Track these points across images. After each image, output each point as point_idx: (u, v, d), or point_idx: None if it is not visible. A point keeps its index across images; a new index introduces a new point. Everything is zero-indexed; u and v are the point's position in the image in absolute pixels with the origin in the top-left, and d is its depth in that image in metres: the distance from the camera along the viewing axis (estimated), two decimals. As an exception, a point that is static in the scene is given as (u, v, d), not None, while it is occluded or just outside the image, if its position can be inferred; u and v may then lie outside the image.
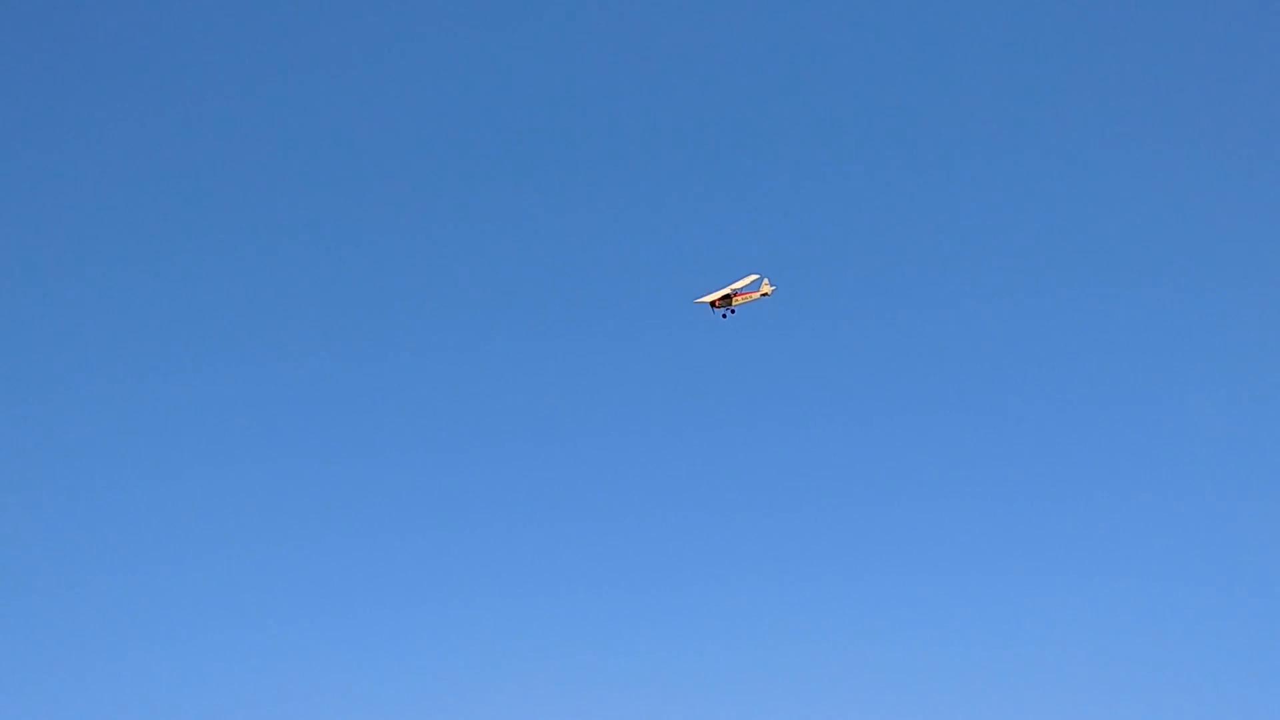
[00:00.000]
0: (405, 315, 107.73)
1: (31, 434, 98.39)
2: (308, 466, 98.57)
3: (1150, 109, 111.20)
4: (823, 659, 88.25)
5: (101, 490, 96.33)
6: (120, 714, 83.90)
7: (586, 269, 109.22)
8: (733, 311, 77.26)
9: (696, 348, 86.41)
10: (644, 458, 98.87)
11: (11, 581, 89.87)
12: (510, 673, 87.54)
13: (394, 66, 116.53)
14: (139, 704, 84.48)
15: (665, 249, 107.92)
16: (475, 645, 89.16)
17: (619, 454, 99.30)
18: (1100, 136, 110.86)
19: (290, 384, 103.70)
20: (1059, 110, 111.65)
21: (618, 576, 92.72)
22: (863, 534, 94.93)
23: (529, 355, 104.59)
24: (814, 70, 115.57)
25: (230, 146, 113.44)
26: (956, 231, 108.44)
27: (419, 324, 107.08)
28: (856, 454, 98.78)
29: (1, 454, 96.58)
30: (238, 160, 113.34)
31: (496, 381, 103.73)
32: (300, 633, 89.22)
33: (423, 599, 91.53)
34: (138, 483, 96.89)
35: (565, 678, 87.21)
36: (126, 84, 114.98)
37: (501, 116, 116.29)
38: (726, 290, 76.87)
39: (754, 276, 77.07)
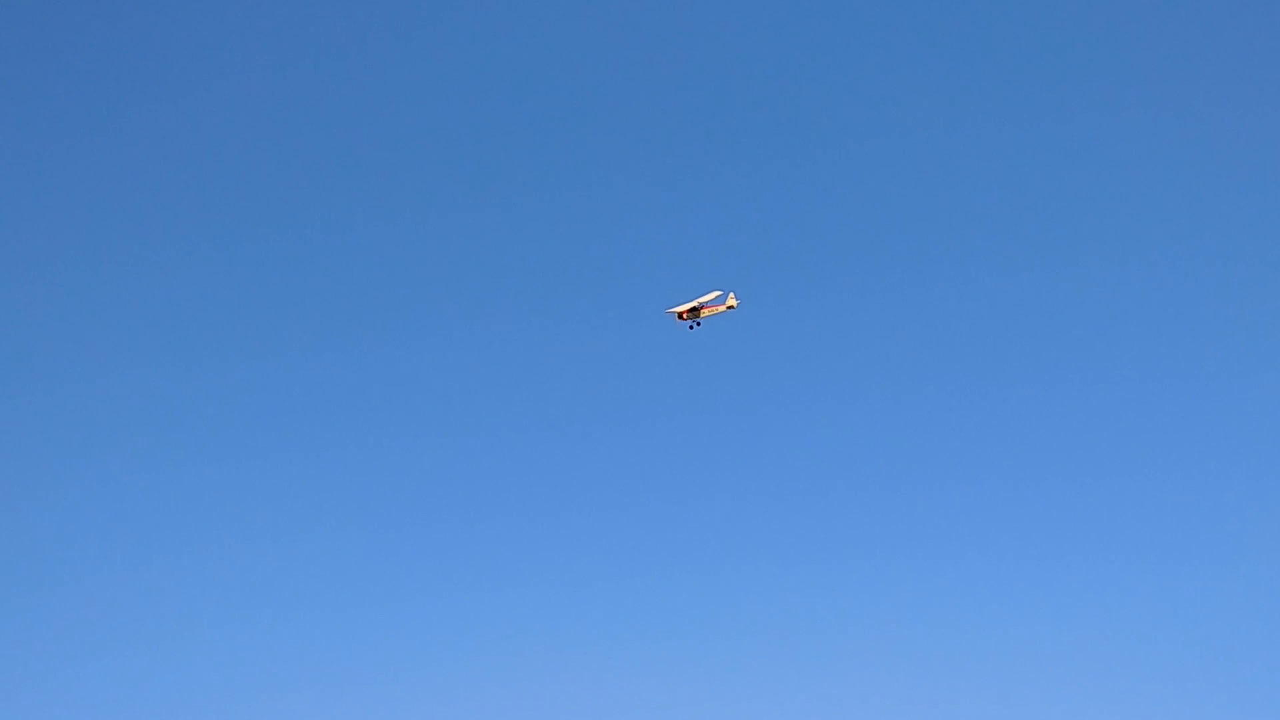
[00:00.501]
0: (384, 314, 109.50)
1: (24, 431, 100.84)
2: (288, 461, 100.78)
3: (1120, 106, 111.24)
4: (811, 652, 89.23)
5: (95, 487, 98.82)
6: (120, 714, 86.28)
7: (566, 271, 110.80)
8: (699, 324, 78.50)
9: (679, 348, 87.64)
10: (630, 452, 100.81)
11: (13, 580, 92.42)
12: (501, 669, 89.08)
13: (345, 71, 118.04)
14: (137, 703, 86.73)
15: (647, 253, 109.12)
16: (464, 641, 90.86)
17: (606, 448, 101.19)
18: (1071, 148, 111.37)
19: (268, 379, 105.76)
20: (1027, 126, 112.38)
21: (607, 571, 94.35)
22: (853, 527, 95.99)
23: (519, 349, 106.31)
24: (785, 86, 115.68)
25: (218, 140, 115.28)
26: (929, 242, 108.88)
27: (399, 322, 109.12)
28: (839, 447, 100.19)
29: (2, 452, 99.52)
30: (224, 154, 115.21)
31: (482, 378, 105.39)
32: (293, 629, 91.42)
33: (413, 595, 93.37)
34: (133, 479, 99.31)
35: (555, 673, 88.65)
36: (119, 79, 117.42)
37: (491, 117, 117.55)
38: (694, 303, 78.06)
39: (718, 292, 78.12)
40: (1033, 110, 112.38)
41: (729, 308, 78.09)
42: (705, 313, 78.07)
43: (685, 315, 78.16)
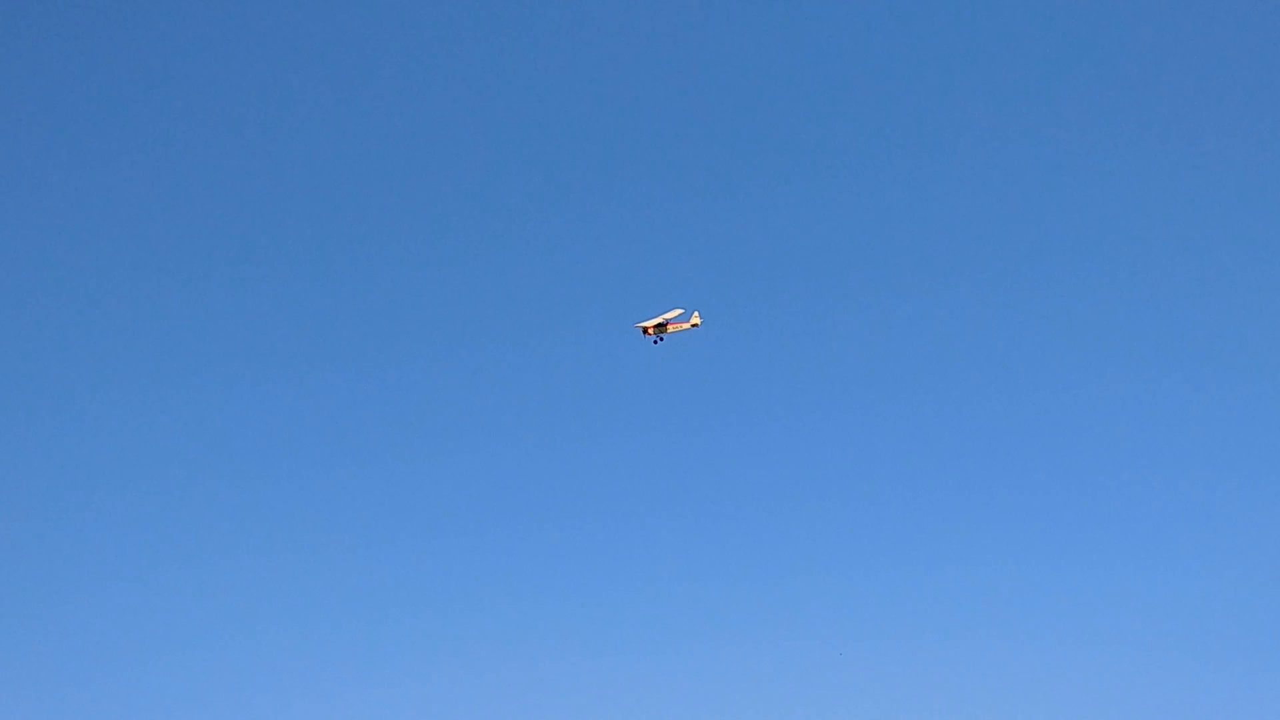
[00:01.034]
0: (357, 335, 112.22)
1: (27, 444, 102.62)
2: (276, 475, 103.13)
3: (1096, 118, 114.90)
4: (802, 660, 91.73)
5: (98, 500, 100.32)
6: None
7: (540, 287, 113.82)
8: (662, 339, 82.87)
9: (654, 361, 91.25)
10: (622, 461, 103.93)
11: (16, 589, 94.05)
12: (486, 676, 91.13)
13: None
14: (141, 712, 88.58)
15: (618, 270, 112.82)
16: (447, 650, 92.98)
17: (585, 456, 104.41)
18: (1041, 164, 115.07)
19: (263, 393, 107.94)
20: (996, 142, 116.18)
21: (591, 580, 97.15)
22: (832, 535, 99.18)
23: (501, 362, 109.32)
24: (753, 110, 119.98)
25: (216, 152, 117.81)
26: (899, 259, 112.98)
27: (371, 342, 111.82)
28: (812, 458, 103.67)
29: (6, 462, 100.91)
30: (220, 165, 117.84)
31: (465, 392, 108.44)
32: (291, 640, 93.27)
33: (392, 606, 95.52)
34: (136, 492, 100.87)
35: (540, 680, 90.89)
36: (125, 90, 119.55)
37: (485, 128, 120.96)
38: (660, 319, 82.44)
39: (681, 310, 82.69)
40: (982, 132, 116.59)
41: (693, 325, 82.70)
42: (670, 329, 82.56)
43: (651, 330, 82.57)
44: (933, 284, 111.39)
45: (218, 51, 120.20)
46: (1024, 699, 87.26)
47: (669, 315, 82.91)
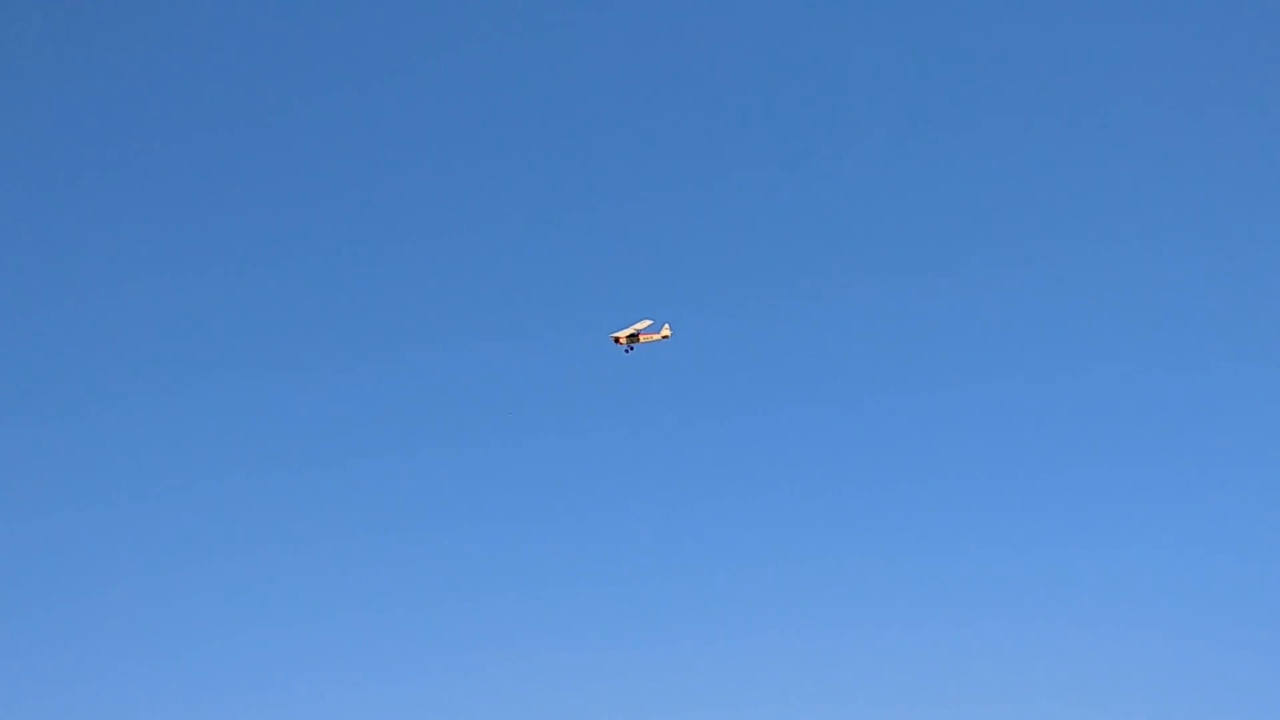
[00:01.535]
0: (341, 337, 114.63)
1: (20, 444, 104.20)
2: (269, 472, 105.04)
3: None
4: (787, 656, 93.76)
5: (94, 498, 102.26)
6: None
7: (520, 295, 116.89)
8: (632, 349, 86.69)
9: (629, 368, 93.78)
10: (602, 459, 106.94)
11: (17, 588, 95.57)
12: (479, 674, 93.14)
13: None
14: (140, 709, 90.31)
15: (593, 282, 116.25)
16: (443, 646, 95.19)
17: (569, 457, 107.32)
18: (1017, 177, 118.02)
19: (248, 390, 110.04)
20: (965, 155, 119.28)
21: (586, 577, 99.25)
22: (812, 531, 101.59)
23: (491, 363, 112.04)
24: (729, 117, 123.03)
25: (200, 152, 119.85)
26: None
27: (350, 343, 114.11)
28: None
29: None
30: (206, 161, 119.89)
31: (455, 390, 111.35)
32: (291, 636, 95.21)
33: (390, 603, 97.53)
34: (129, 490, 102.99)
35: (526, 678, 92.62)
36: (113, 87, 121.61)
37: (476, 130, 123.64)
38: (632, 329, 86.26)
39: (650, 321, 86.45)
40: (959, 131, 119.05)
41: (663, 337, 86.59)
42: (642, 339, 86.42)
43: (623, 340, 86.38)
44: (906, 284, 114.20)
45: (197, 43, 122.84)
46: (1018, 691, 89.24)
47: (640, 326, 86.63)
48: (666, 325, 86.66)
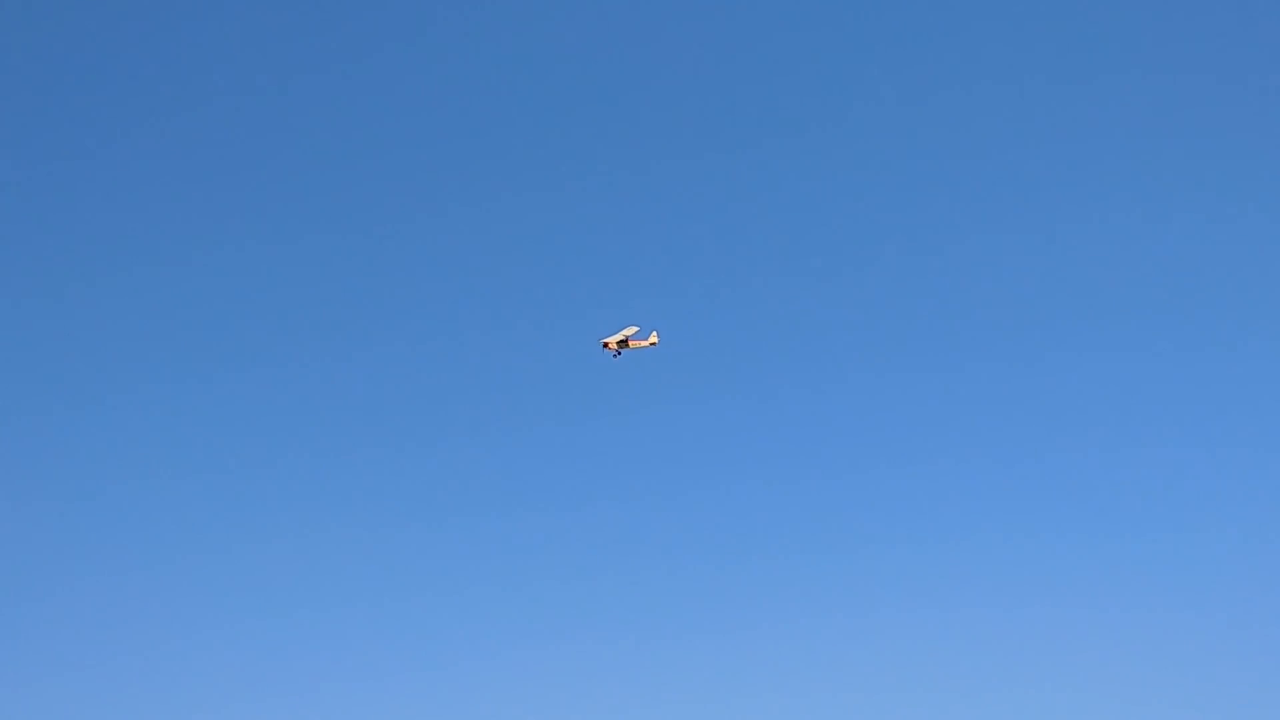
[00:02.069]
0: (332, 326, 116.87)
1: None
2: (261, 463, 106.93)
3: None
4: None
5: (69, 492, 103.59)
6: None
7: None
8: (619, 354, 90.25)
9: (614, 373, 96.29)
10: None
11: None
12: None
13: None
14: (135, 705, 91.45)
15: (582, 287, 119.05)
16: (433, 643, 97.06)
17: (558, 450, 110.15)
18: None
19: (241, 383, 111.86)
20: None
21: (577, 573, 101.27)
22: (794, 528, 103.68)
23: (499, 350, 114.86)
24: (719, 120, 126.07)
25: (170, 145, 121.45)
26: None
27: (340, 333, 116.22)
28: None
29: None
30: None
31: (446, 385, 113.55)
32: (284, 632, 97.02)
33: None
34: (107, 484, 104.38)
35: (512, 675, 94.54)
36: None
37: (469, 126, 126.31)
38: (622, 335, 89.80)
39: (638, 328, 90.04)
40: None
41: (651, 344, 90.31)
42: (631, 345, 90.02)
43: (614, 346, 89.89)
44: (896, 279, 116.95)
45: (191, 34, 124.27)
46: (1016, 682, 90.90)
47: (628, 332, 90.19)
48: (654, 333, 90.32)
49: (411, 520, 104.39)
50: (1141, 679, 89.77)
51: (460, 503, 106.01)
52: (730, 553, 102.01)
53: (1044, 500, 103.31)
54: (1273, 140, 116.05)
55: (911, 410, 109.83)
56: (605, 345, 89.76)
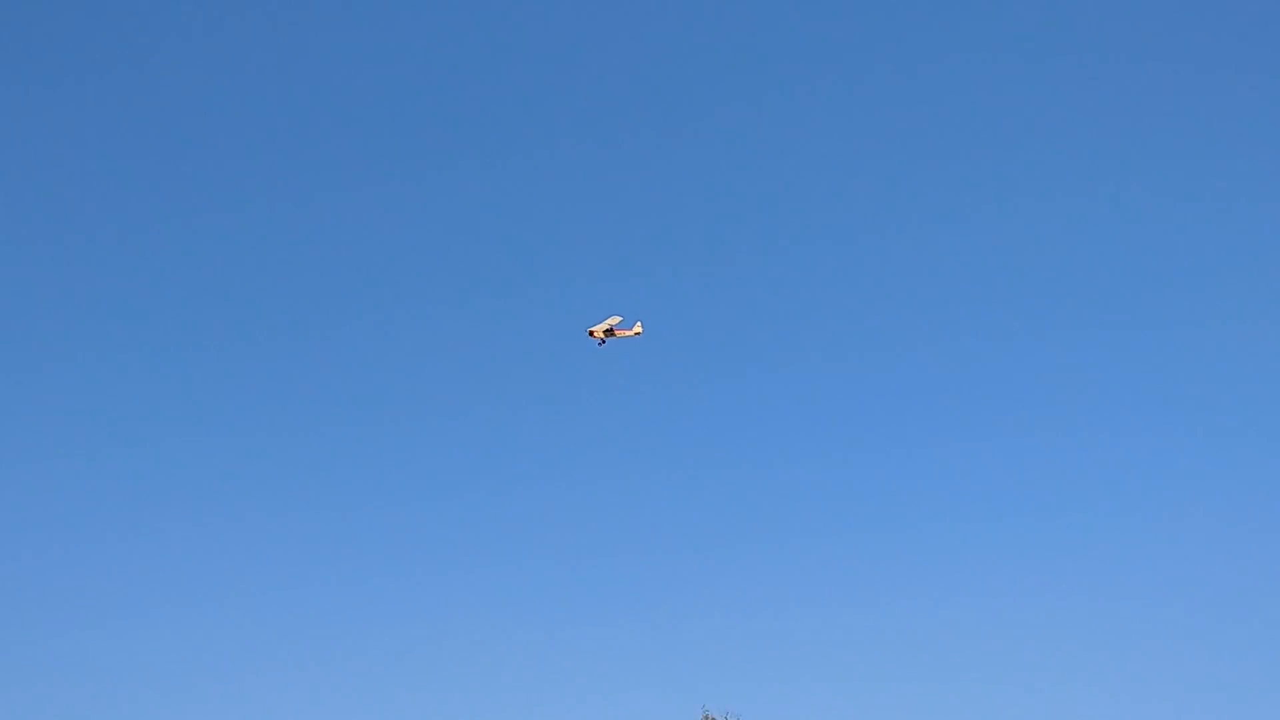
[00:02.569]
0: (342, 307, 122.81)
1: None
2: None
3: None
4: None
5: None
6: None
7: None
8: (604, 343, 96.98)
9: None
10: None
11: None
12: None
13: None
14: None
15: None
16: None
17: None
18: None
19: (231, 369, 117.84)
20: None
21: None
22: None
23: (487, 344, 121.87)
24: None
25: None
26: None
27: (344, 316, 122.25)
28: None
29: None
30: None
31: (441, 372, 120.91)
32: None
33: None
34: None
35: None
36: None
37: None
38: (608, 324, 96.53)
39: (621, 318, 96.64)
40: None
41: (635, 333, 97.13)
42: (617, 334, 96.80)
43: (600, 334, 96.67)
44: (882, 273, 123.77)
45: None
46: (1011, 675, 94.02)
47: (612, 321, 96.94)
48: (638, 322, 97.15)
49: (395, 500, 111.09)
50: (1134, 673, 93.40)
51: (436, 486, 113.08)
52: (711, 534, 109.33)
53: (1031, 488, 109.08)
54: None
55: (893, 397, 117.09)
56: (591, 334, 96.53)
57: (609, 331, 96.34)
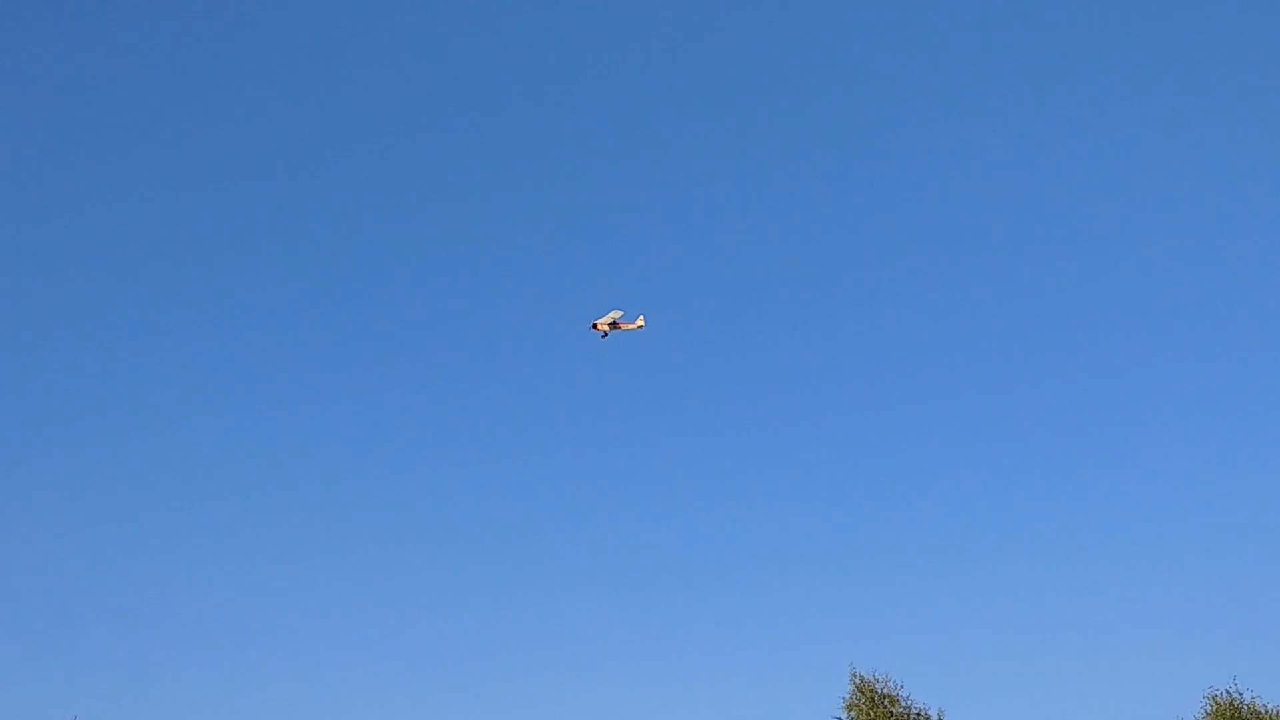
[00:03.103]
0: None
1: None
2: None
3: None
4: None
5: None
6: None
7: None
8: (606, 335, 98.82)
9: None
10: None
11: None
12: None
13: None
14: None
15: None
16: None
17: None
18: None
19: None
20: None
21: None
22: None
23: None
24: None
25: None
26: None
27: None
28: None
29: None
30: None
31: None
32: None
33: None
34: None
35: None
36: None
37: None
38: (611, 318, 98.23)
39: (621, 312, 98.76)
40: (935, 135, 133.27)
41: (638, 327, 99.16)
42: (620, 327, 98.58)
43: (605, 327, 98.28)
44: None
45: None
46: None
47: (615, 315, 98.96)
48: (641, 316, 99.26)
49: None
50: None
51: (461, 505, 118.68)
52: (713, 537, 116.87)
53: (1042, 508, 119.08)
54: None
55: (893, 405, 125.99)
56: (595, 326, 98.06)
57: (614, 325, 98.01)
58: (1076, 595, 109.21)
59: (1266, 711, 61.31)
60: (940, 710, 62.40)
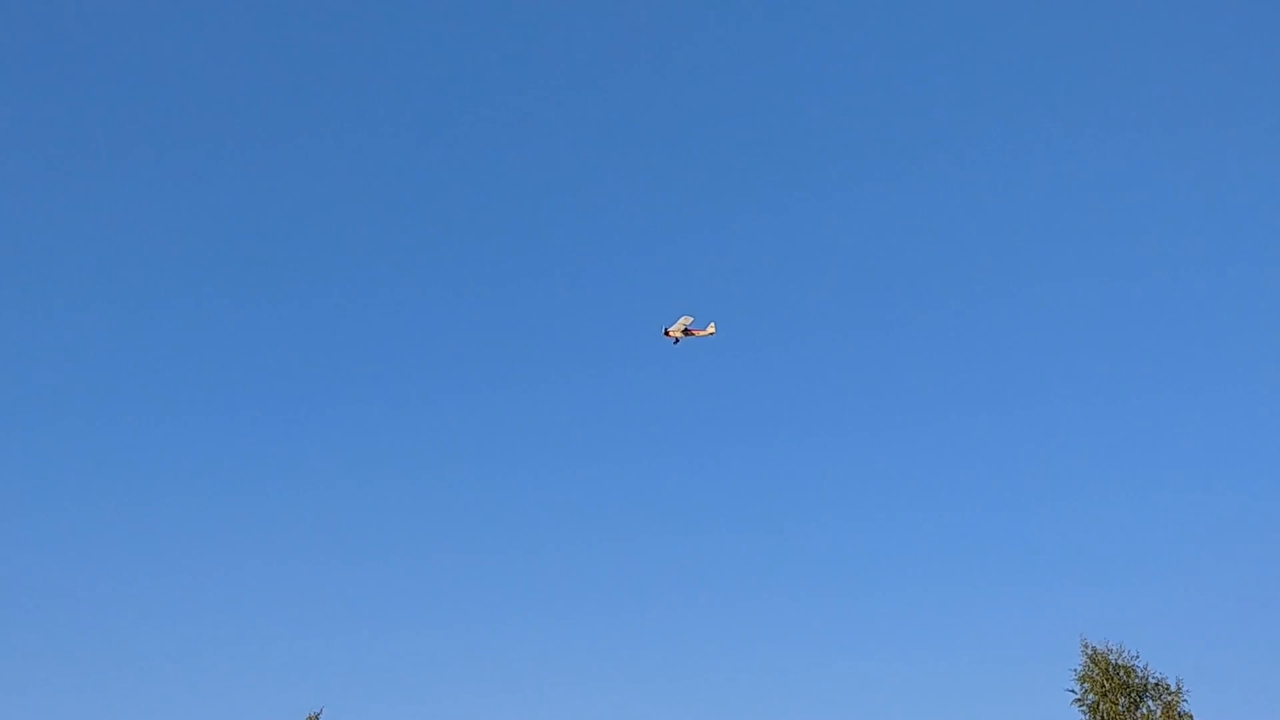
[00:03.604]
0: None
1: None
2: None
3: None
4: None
5: None
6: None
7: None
8: (678, 341, 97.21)
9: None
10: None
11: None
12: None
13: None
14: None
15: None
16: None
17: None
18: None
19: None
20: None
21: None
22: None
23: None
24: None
25: None
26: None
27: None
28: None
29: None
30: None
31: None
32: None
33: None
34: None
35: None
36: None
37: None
38: (683, 324, 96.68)
39: (692, 317, 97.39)
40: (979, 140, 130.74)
41: (709, 333, 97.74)
42: (692, 334, 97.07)
43: (673, 333, 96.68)
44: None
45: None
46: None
47: (685, 321, 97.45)
48: (712, 323, 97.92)
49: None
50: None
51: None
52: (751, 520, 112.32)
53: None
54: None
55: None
56: (668, 333, 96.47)
57: (686, 331, 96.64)
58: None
59: None
60: (1178, 679, 62.16)
